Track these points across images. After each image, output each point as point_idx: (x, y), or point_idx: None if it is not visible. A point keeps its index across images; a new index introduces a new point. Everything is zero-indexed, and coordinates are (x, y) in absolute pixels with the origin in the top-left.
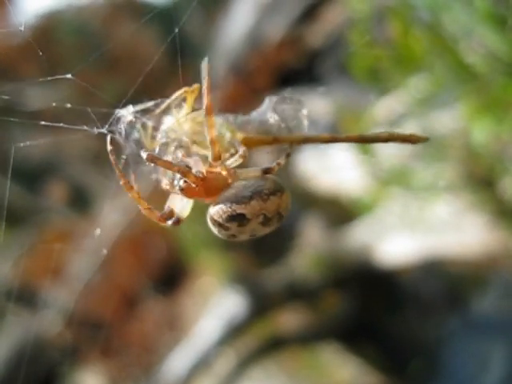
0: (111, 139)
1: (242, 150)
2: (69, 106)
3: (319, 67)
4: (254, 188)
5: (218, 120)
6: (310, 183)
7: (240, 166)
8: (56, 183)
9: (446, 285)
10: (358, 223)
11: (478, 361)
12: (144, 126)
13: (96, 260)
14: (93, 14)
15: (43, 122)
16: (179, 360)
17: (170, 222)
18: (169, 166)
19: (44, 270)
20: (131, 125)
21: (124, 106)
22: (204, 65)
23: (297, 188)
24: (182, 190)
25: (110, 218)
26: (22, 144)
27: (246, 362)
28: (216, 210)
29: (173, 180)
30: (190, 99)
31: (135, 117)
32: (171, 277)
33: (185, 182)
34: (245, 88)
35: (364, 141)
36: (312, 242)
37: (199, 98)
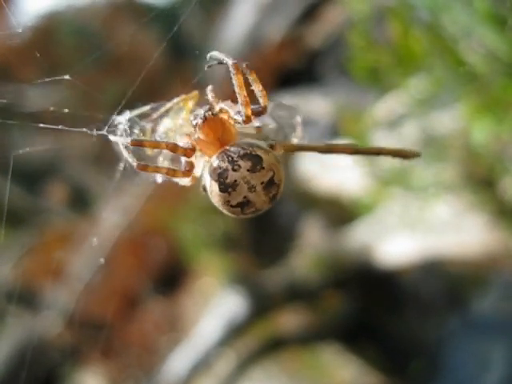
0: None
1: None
2: (66, 110)
3: (319, 67)
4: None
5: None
6: (311, 183)
7: None
8: (56, 184)
9: (446, 285)
10: (358, 223)
11: (478, 361)
12: (143, 130)
13: (96, 261)
14: (93, 14)
15: (42, 125)
16: (179, 360)
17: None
18: (155, 144)
19: (44, 271)
20: (128, 131)
21: (123, 107)
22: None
23: (297, 188)
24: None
25: (111, 218)
26: (21, 151)
27: (247, 363)
28: (234, 148)
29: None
30: (189, 105)
31: (134, 121)
32: (171, 277)
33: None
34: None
35: (357, 153)
36: (312, 243)
37: (198, 104)
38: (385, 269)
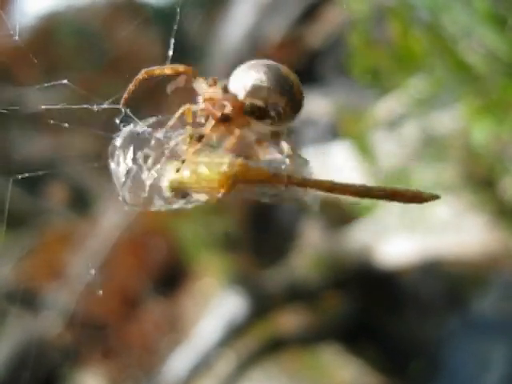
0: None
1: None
2: (62, 111)
3: (319, 67)
4: None
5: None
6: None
7: None
8: (57, 185)
9: (446, 285)
10: (358, 224)
11: (478, 361)
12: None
13: (97, 261)
14: (93, 14)
15: (52, 121)
16: (180, 361)
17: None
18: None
19: (45, 271)
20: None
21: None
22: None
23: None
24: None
25: (111, 219)
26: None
27: (247, 363)
28: None
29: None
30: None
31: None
32: (171, 278)
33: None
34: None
35: (368, 196)
36: (312, 243)
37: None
38: (385, 269)
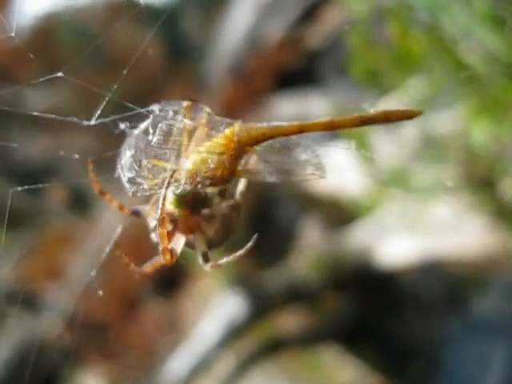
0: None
1: None
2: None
3: (319, 68)
4: None
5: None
6: (310, 185)
7: None
8: (56, 185)
9: (445, 286)
10: (357, 225)
11: (478, 361)
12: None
13: (96, 262)
14: (92, 15)
15: (55, 116)
16: (179, 362)
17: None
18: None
19: (45, 272)
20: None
21: (124, 107)
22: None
23: (297, 189)
24: None
25: (110, 220)
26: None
27: (246, 364)
28: None
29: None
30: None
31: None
32: (171, 279)
33: None
34: (244, 89)
35: (363, 123)
36: (312, 244)
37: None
38: (384, 270)
